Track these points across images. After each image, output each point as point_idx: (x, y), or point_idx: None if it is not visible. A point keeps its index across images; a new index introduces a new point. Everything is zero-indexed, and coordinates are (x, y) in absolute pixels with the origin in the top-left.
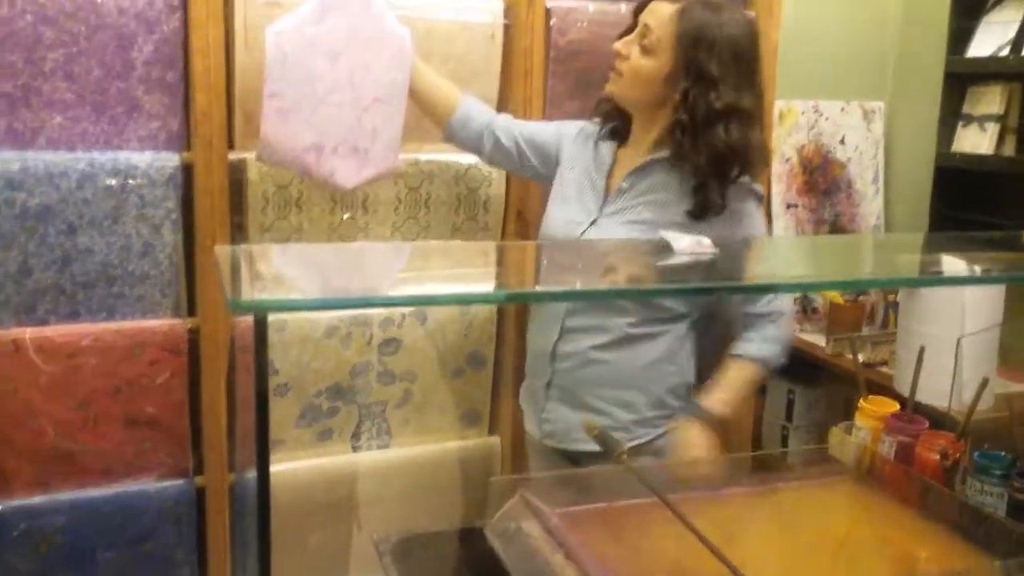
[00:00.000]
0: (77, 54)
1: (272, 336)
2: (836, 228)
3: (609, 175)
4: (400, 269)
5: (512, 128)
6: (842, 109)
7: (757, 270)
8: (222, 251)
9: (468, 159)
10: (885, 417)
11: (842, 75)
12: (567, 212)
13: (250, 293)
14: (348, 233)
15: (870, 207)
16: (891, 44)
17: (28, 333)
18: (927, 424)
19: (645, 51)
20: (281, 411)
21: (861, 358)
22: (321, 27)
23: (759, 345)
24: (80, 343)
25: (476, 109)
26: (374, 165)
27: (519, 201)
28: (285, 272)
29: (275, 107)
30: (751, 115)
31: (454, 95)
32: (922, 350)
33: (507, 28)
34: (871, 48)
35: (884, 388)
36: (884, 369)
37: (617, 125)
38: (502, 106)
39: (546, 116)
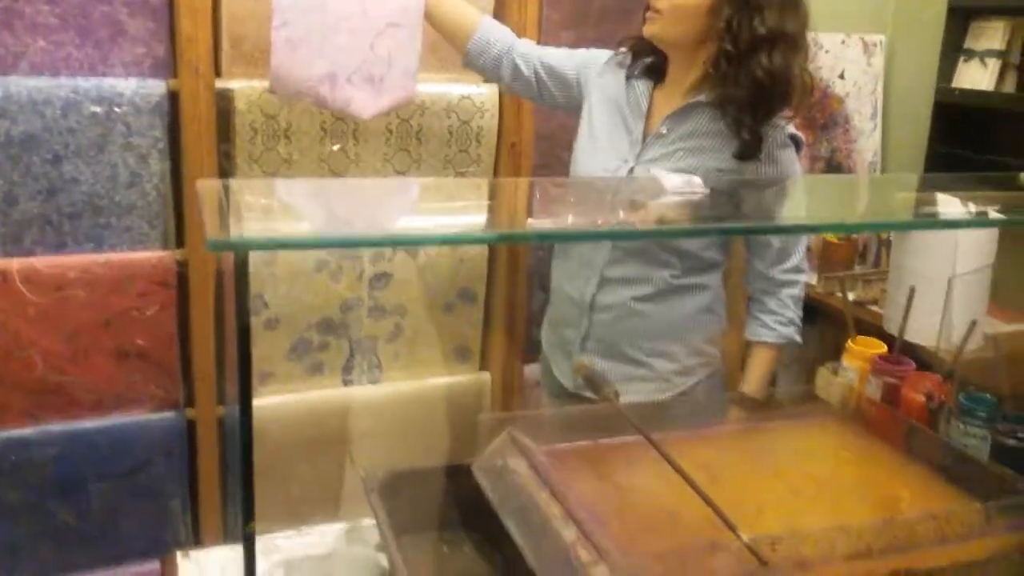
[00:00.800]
0: None
1: (262, 270)
2: (832, 164)
3: (646, 118)
4: (389, 206)
5: (531, 56)
6: (842, 42)
7: (762, 211)
8: (204, 185)
9: (460, 89)
10: (872, 358)
11: (843, 6)
12: (599, 157)
13: (229, 231)
14: (338, 164)
15: (867, 143)
16: None
17: (15, 264)
18: (914, 365)
19: None
20: (271, 344)
21: (852, 296)
22: None
23: (782, 329)
24: (68, 275)
25: (495, 35)
26: (391, 93)
27: (512, 133)
28: (268, 208)
29: (284, 37)
30: (795, 40)
31: (472, 19)
32: (912, 290)
33: None
34: None
35: (874, 328)
36: (875, 308)
37: (652, 62)
38: None
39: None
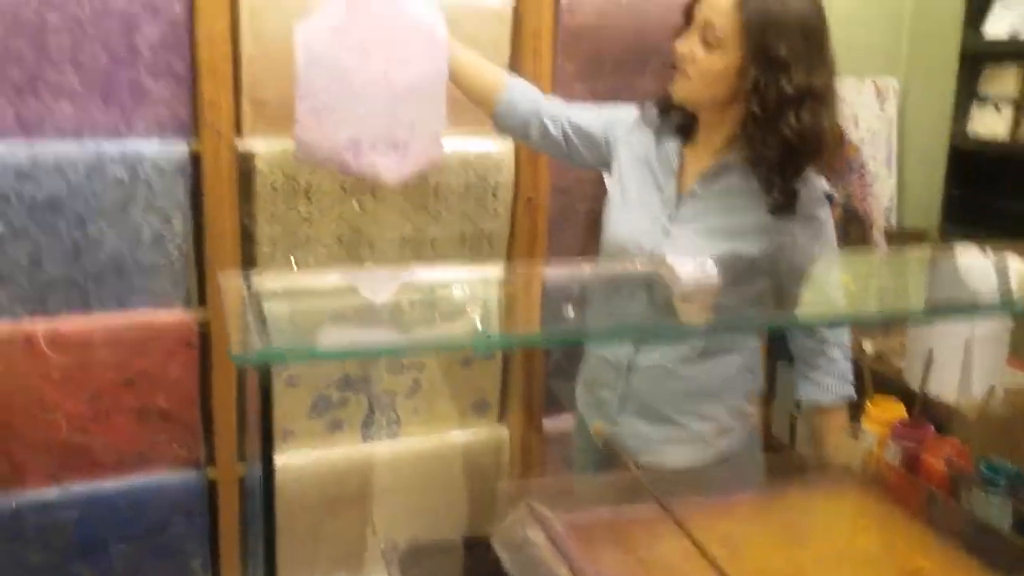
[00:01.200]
0: (83, 40)
1: (276, 312)
2: (848, 210)
3: (678, 177)
4: (407, 304)
5: (559, 116)
6: (855, 87)
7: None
8: (227, 281)
9: (477, 146)
10: (892, 423)
11: (855, 52)
12: (633, 219)
13: (253, 344)
14: (357, 222)
15: (883, 188)
16: (905, 20)
17: (40, 326)
18: (934, 429)
19: (710, 47)
20: (292, 402)
21: (870, 348)
22: (350, 22)
23: (841, 389)
24: (92, 336)
25: (522, 95)
26: (416, 158)
27: (529, 188)
28: (289, 314)
29: (308, 107)
30: (823, 95)
31: (498, 80)
32: (930, 353)
33: (515, 10)
34: (885, 24)
35: (893, 381)
36: (894, 361)
37: (680, 121)
38: None
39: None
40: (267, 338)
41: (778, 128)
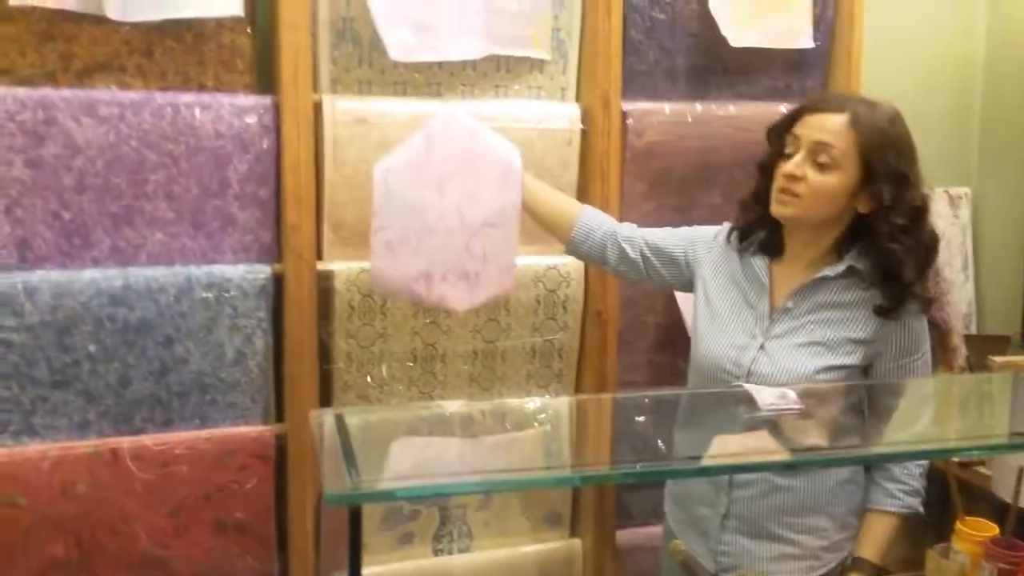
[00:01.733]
0: (177, 175)
1: (356, 438)
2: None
3: (770, 294)
4: (487, 441)
5: (636, 238)
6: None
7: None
8: (316, 417)
9: (547, 260)
10: (984, 542)
11: (926, 162)
12: (726, 334)
13: (344, 484)
14: (430, 336)
15: (960, 295)
16: (975, 129)
17: (125, 443)
18: None
19: (825, 168)
20: (363, 515)
21: (956, 458)
22: (428, 159)
23: (907, 499)
24: (174, 451)
25: (597, 221)
26: (486, 289)
27: (598, 301)
28: (377, 450)
29: (383, 240)
30: (929, 205)
31: (573, 209)
32: (1021, 471)
33: (583, 132)
34: (955, 134)
35: (982, 492)
36: (982, 469)
37: (765, 237)
38: None
39: (623, 216)
40: (358, 479)
41: (908, 238)
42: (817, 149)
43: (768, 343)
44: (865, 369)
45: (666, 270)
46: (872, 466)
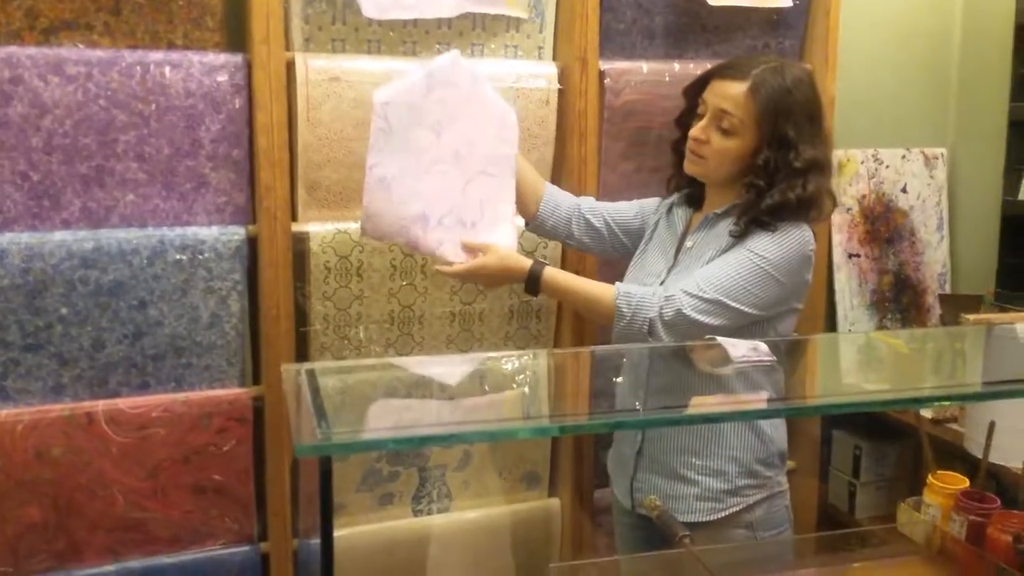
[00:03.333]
0: (148, 135)
1: (334, 399)
2: (900, 278)
3: (680, 238)
4: (459, 393)
5: (598, 209)
6: (903, 157)
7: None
8: (288, 373)
9: (522, 222)
10: (955, 494)
11: (902, 123)
12: (639, 277)
13: (314, 436)
14: (407, 298)
15: (935, 255)
16: (952, 90)
17: (100, 405)
18: (999, 503)
19: (727, 133)
20: (342, 476)
21: (928, 414)
22: (428, 99)
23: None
24: (150, 414)
25: (561, 196)
26: (484, 238)
27: (576, 263)
28: (349, 403)
29: (377, 176)
30: (825, 165)
31: (539, 184)
32: (992, 425)
33: (561, 92)
34: (931, 94)
35: (953, 449)
36: (954, 426)
37: (690, 191)
38: (557, 167)
39: (601, 176)
40: (328, 430)
41: (781, 194)
42: (720, 116)
43: (668, 280)
44: None
45: (627, 238)
46: None
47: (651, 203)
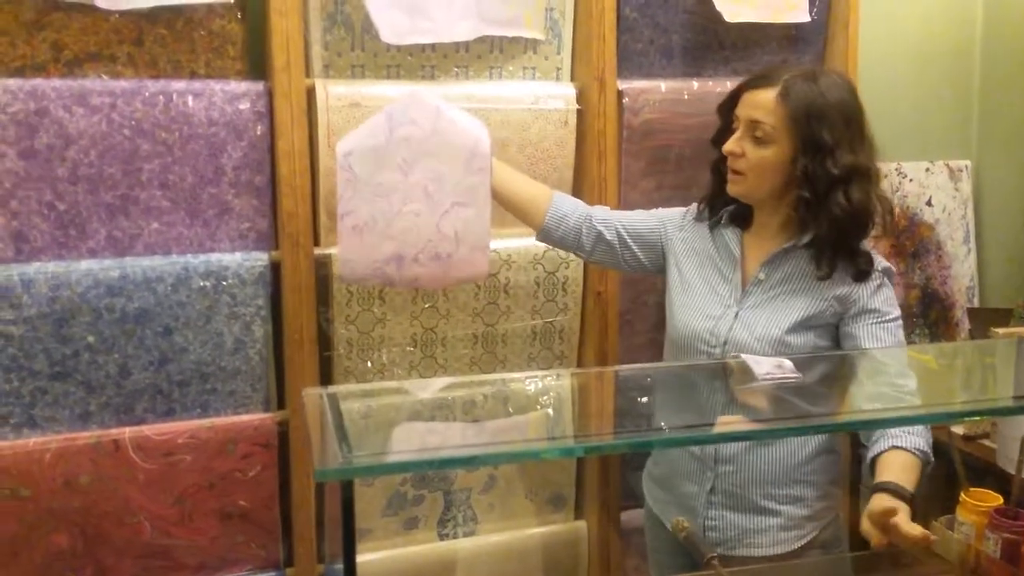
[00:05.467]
0: (171, 163)
1: (355, 423)
2: (927, 292)
3: (741, 265)
4: (484, 414)
5: (611, 220)
6: (927, 169)
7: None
8: (310, 397)
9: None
10: (988, 512)
11: (925, 135)
12: (701, 307)
13: (335, 460)
14: (429, 321)
15: (962, 268)
16: (975, 101)
17: (127, 432)
18: None
19: (760, 143)
20: (368, 500)
21: (960, 430)
22: (391, 140)
23: (916, 440)
24: (176, 440)
25: (569, 205)
26: (460, 269)
27: (598, 282)
28: (370, 426)
29: (350, 225)
30: (868, 172)
31: (544, 193)
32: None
33: (579, 112)
34: (954, 106)
35: (986, 466)
36: (986, 442)
37: (735, 210)
38: (577, 187)
39: (622, 195)
40: (349, 453)
41: (828, 207)
42: (752, 126)
43: (742, 312)
44: (835, 333)
45: (641, 251)
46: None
47: (672, 215)
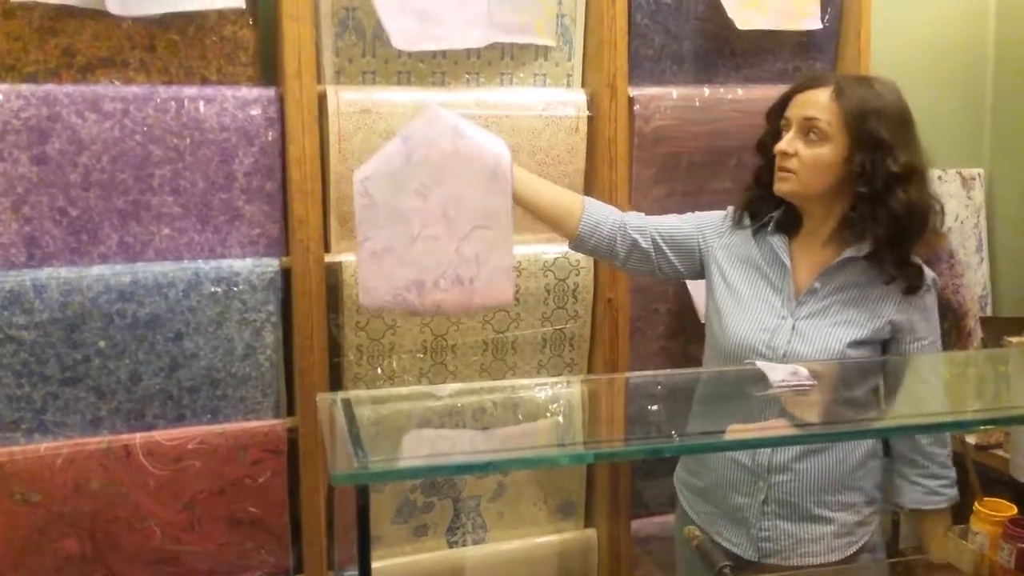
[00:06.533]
0: (183, 169)
1: (369, 428)
2: (940, 301)
3: (792, 274)
4: (497, 419)
5: (646, 227)
6: (939, 177)
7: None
8: (323, 402)
9: (555, 248)
10: (1003, 522)
11: (937, 143)
12: (754, 318)
13: (350, 465)
14: (439, 327)
15: (975, 277)
16: (987, 108)
17: (138, 438)
18: None
19: (814, 141)
20: (377, 507)
21: (972, 439)
22: (409, 165)
23: (949, 492)
24: (186, 446)
25: (603, 213)
26: (483, 294)
27: (608, 288)
28: (384, 431)
29: (369, 251)
30: (924, 172)
31: (575, 202)
32: None
33: (590, 119)
34: (966, 114)
35: (999, 475)
36: (999, 452)
37: (780, 216)
38: (587, 193)
39: (632, 202)
40: (365, 459)
41: (888, 205)
42: (806, 125)
43: (799, 323)
44: (884, 348)
45: (678, 258)
46: (901, 461)
47: (711, 220)
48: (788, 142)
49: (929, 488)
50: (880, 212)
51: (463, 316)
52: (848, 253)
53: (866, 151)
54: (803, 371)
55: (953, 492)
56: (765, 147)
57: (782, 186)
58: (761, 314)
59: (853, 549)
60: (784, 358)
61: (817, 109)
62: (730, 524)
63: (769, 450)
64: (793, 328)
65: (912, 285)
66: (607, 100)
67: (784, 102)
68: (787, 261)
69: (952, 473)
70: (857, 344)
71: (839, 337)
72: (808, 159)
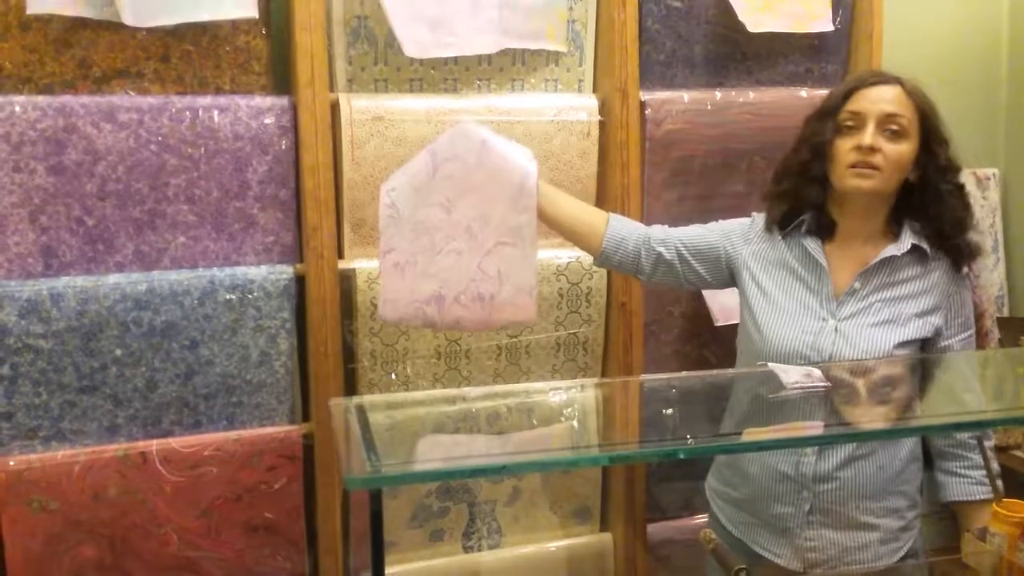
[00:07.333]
0: (197, 178)
1: (383, 433)
2: None
3: (831, 275)
4: (511, 422)
5: (670, 239)
6: None
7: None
8: (337, 407)
9: (569, 252)
10: (1022, 523)
11: (951, 144)
12: (794, 322)
13: (364, 469)
14: (453, 333)
15: (991, 278)
16: (1002, 109)
17: (154, 445)
18: None
19: (896, 137)
20: (393, 513)
21: (991, 443)
22: (435, 178)
23: (997, 483)
24: (202, 453)
25: (627, 228)
26: (504, 311)
27: (622, 292)
28: (398, 436)
29: (391, 262)
30: (961, 168)
31: (598, 218)
32: None
33: (602, 124)
34: (980, 114)
35: (1019, 476)
36: (1018, 453)
37: (813, 218)
38: (600, 199)
39: (644, 206)
40: (378, 462)
41: (940, 192)
42: (886, 120)
43: (841, 324)
44: (923, 345)
45: (704, 269)
46: (941, 458)
47: (737, 228)
48: (873, 137)
49: (976, 479)
50: (934, 203)
51: (480, 332)
52: (889, 251)
53: (931, 148)
54: (816, 372)
55: (998, 484)
56: (822, 143)
57: (864, 183)
58: (800, 317)
59: (899, 555)
60: (830, 360)
61: (897, 105)
62: (771, 535)
63: (813, 459)
64: (836, 330)
65: (970, 253)
66: (619, 105)
67: (843, 98)
68: (824, 262)
69: (997, 466)
70: (903, 344)
71: (886, 339)
72: (892, 155)
